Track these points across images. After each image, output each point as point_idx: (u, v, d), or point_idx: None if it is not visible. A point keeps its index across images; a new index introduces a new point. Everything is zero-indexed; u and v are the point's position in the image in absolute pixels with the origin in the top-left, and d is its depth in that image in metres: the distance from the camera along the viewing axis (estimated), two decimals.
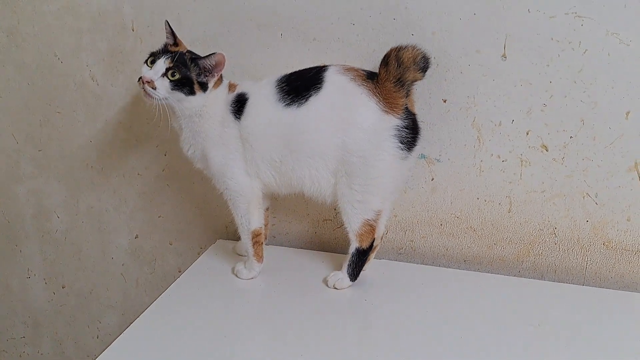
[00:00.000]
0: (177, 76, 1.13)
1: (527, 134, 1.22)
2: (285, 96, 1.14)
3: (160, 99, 1.13)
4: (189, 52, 1.18)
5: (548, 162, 1.23)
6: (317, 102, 1.12)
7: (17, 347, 1.84)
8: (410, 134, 1.13)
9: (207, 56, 1.15)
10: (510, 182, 1.26)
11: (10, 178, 1.65)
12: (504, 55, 1.19)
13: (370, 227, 1.18)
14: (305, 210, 1.43)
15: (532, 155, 1.23)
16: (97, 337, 1.74)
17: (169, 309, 1.16)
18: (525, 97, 1.20)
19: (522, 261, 1.30)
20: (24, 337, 1.83)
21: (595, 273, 1.26)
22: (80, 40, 1.46)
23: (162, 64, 1.13)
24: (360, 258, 1.20)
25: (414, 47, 1.12)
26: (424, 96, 1.25)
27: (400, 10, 1.21)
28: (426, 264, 1.36)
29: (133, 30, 1.41)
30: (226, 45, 1.34)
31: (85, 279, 1.70)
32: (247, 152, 1.19)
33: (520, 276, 1.30)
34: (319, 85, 1.12)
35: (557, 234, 1.27)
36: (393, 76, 1.11)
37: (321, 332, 1.08)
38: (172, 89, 1.13)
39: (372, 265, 1.29)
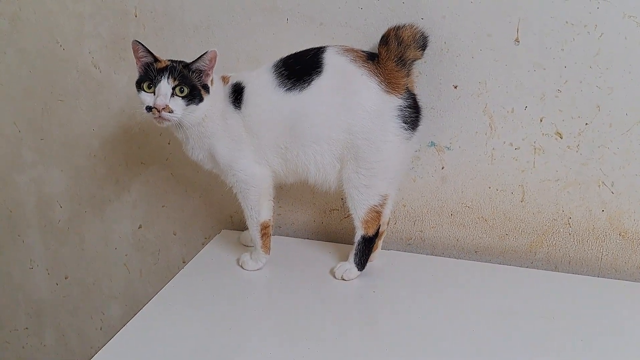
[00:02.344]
0: (186, 90, 1.10)
1: (541, 120, 1.19)
2: (286, 81, 1.12)
3: (178, 120, 1.11)
4: (177, 61, 1.12)
5: (562, 149, 1.19)
6: (318, 85, 1.10)
7: (20, 338, 1.83)
8: (414, 113, 1.12)
9: (199, 58, 1.11)
10: (523, 171, 1.23)
11: (11, 167, 1.63)
12: (517, 40, 1.15)
13: (376, 214, 1.16)
14: (311, 199, 1.40)
15: (546, 142, 1.20)
16: (100, 329, 1.73)
17: (173, 300, 1.14)
18: (539, 82, 1.16)
19: (535, 252, 1.27)
20: (26, 328, 1.81)
21: (611, 264, 1.23)
22: (82, 26, 1.43)
23: (167, 84, 1.09)
24: (367, 246, 1.18)
25: (412, 25, 1.12)
26: (434, 82, 1.22)
27: None
28: (436, 255, 1.33)
29: (136, 17, 1.38)
30: (230, 30, 1.32)
31: (88, 269, 1.68)
32: (253, 141, 1.16)
33: (533, 267, 1.27)
34: (319, 69, 1.10)
35: (571, 224, 1.23)
36: (394, 55, 1.10)
37: (329, 324, 1.06)
38: (186, 105, 1.10)
39: (380, 255, 1.27)
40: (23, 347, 1.83)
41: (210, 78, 1.13)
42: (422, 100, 1.18)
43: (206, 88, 1.13)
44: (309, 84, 1.10)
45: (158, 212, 1.56)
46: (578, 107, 1.16)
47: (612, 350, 0.97)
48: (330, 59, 1.11)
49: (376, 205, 1.15)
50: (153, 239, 1.59)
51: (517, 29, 1.14)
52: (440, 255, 1.33)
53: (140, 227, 1.59)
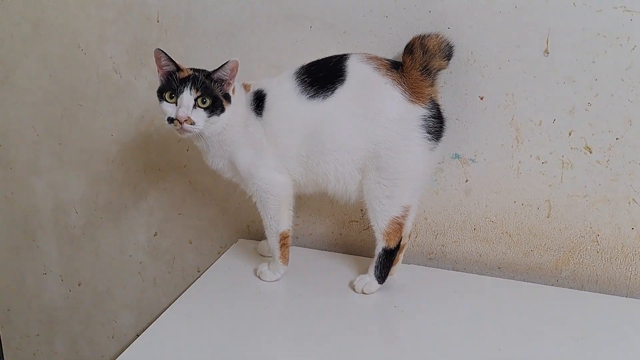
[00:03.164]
0: (208, 101, 1.08)
1: (570, 134, 1.16)
2: (308, 88, 1.10)
3: (199, 131, 1.09)
4: (199, 70, 1.10)
5: (592, 164, 1.16)
6: (341, 93, 1.09)
7: (32, 345, 1.81)
8: (437, 123, 1.10)
9: (221, 67, 1.09)
10: (550, 185, 1.19)
11: (29, 171, 1.62)
12: (546, 51, 1.12)
13: (398, 226, 1.13)
14: (330, 210, 1.37)
15: (575, 157, 1.16)
16: (112, 337, 1.70)
17: (188, 311, 1.12)
18: (569, 95, 1.13)
19: (561, 270, 1.23)
20: (38, 334, 1.79)
21: None
22: (105, 31, 1.43)
23: (189, 95, 1.07)
24: (388, 259, 1.15)
25: (437, 35, 1.11)
26: (459, 93, 1.19)
27: (435, 3, 1.16)
28: (458, 270, 1.30)
29: (158, 22, 1.37)
30: (253, 37, 1.30)
31: (101, 276, 1.66)
32: (274, 148, 1.14)
33: (559, 285, 1.23)
34: (342, 77, 1.09)
35: (599, 241, 1.20)
36: (419, 64, 1.09)
37: (348, 339, 1.02)
38: (208, 117, 1.08)
39: (400, 270, 1.24)
40: (34, 354, 1.81)
41: (232, 87, 1.12)
42: (447, 111, 1.16)
43: (228, 98, 1.11)
44: (332, 92, 1.09)
45: (174, 220, 1.54)
46: (608, 121, 1.13)
47: None
48: (354, 67, 1.09)
49: (398, 217, 1.12)
50: (168, 247, 1.57)
51: (547, 40, 1.12)
52: (462, 271, 1.30)
53: (155, 234, 1.57)
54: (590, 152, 1.16)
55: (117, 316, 1.68)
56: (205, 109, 1.08)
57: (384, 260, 1.15)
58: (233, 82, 1.11)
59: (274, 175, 1.16)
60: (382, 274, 1.16)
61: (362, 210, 1.19)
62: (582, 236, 1.21)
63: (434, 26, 1.17)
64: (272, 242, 1.21)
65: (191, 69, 1.10)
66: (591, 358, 0.98)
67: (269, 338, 1.04)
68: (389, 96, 1.08)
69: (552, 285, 1.23)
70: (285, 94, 1.13)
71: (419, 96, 1.08)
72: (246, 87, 1.18)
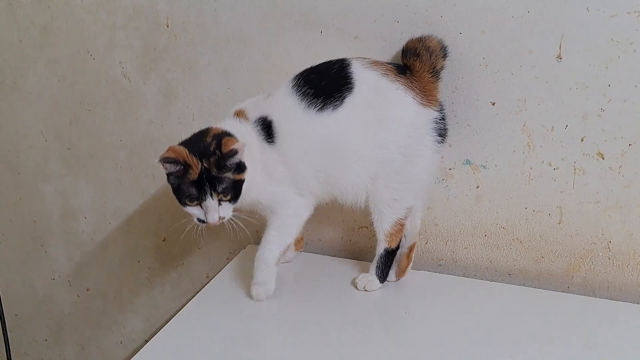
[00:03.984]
0: (230, 194, 1.03)
1: (582, 140, 1.15)
2: (314, 100, 1.06)
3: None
4: (207, 155, 1.01)
5: (604, 170, 1.15)
6: (352, 102, 1.06)
7: (40, 350, 1.81)
8: (445, 124, 1.11)
9: (229, 154, 1.01)
10: (562, 192, 1.19)
11: (37, 177, 1.62)
12: (559, 56, 1.12)
13: (400, 227, 1.14)
14: (340, 216, 1.37)
15: (587, 163, 1.16)
16: (121, 343, 1.70)
17: (197, 316, 1.12)
18: (581, 101, 1.13)
19: (572, 276, 1.23)
20: (46, 339, 1.79)
21: None
22: (114, 36, 1.42)
23: (212, 200, 1.03)
24: (389, 259, 1.17)
25: (432, 36, 1.13)
26: (470, 98, 1.19)
27: (447, 7, 1.15)
28: (468, 277, 1.29)
29: (167, 27, 1.37)
30: (263, 43, 1.30)
31: (110, 282, 1.66)
32: (293, 172, 1.11)
33: (570, 292, 1.23)
34: (349, 84, 1.06)
35: (611, 248, 1.19)
36: (428, 67, 1.09)
37: (357, 345, 1.02)
38: (234, 203, 1.06)
39: (410, 276, 1.23)
40: (42, 359, 1.81)
41: (242, 155, 1.03)
42: (459, 117, 1.16)
43: (242, 167, 1.04)
44: (342, 102, 1.06)
45: (183, 225, 1.53)
46: (622, 127, 1.12)
47: None
48: (360, 74, 1.07)
49: (401, 219, 1.13)
50: (177, 252, 1.56)
51: (560, 46, 1.11)
52: (472, 277, 1.29)
53: (164, 240, 1.57)
54: (603, 159, 1.15)
55: (125, 322, 1.68)
56: (229, 200, 1.05)
57: (385, 260, 1.16)
58: (243, 152, 1.03)
59: (297, 200, 1.13)
60: (384, 274, 1.18)
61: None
62: (593, 242, 1.20)
63: (445, 30, 1.16)
64: (278, 253, 1.16)
65: (198, 159, 1.01)
66: None
67: (279, 344, 1.04)
68: (402, 102, 1.07)
69: (563, 291, 1.22)
70: (290, 113, 1.08)
71: (431, 99, 1.08)
72: (241, 114, 1.12)
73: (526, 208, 1.22)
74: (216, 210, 1.04)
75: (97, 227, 1.62)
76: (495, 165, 1.21)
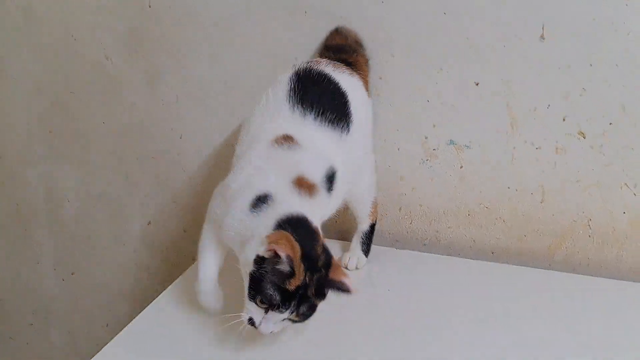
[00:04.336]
0: (303, 319, 0.89)
1: (564, 120, 1.16)
2: (338, 128, 1.03)
3: None
4: (315, 271, 0.86)
5: (585, 149, 1.17)
6: (354, 114, 1.07)
7: (26, 335, 1.80)
8: None
9: (340, 285, 0.89)
10: (544, 171, 1.21)
11: (21, 161, 1.61)
12: (542, 36, 1.13)
13: (376, 202, 1.21)
14: None
15: (569, 142, 1.17)
16: (107, 326, 1.70)
17: (180, 298, 1.12)
18: (564, 81, 1.14)
19: (554, 254, 1.25)
20: (32, 324, 1.78)
21: (631, 268, 1.21)
22: (97, 18, 1.41)
23: (283, 315, 0.86)
24: (373, 232, 1.22)
25: (343, 26, 1.19)
26: (454, 79, 1.20)
27: None
28: (452, 256, 1.30)
29: (150, 7, 1.35)
30: (250, 26, 1.29)
31: (95, 266, 1.65)
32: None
33: (552, 269, 1.24)
34: (344, 99, 1.07)
35: (591, 226, 1.21)
36: (367, 58, 1.18)
37: (340, 325, 1.04)
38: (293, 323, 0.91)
39: (396, 255, 1.26)
40: (28, 344, 1.81)
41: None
42: (442, 97, 1.18)
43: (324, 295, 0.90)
44: (350, 118, 1.06)
45: (168, 208, 1.53)
46: (603, 106, 1.14)
47: (630, 354, 0.96)
48: (344, 82, 1.09)
49: (376, 196, 1.21)
50: (162, 236, 1.56)
51: (543, 26, 1.12)
52: (456, 256, 1.30)
53: (149, 223, 1.56)
54: (584, 138, 1.17)
55: (111, 305, 1.68)
56: (294, 321, 0.89)
57: (370, 235, 1.21)
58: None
59: None
60: (369, 248, 1.22)
61: None
62: (574, 221, 1.22)
63: (431, 11, 1.17)
64: None
65: (305, 267, 0.84)
66: (584, 339, 1.00)
67: None
68: (366, 98, 1.15)
69: (544, 269, 1.25)
70: (339, 150, 1.02)
71: (368, 86, 1.18)
72: (304, 183, 0.95)
73: (509, 187, 1.24)
74: (276, 325, 0.88)
75: (82, 211, 1.61)
76: (479, 146, 1.23)
